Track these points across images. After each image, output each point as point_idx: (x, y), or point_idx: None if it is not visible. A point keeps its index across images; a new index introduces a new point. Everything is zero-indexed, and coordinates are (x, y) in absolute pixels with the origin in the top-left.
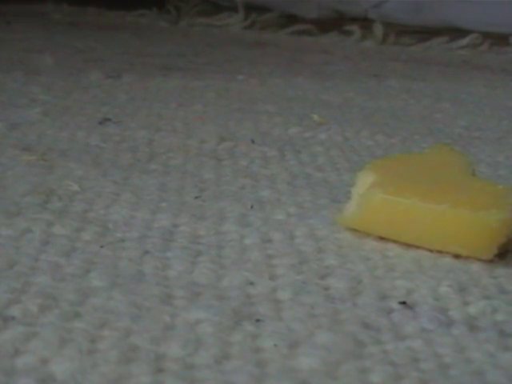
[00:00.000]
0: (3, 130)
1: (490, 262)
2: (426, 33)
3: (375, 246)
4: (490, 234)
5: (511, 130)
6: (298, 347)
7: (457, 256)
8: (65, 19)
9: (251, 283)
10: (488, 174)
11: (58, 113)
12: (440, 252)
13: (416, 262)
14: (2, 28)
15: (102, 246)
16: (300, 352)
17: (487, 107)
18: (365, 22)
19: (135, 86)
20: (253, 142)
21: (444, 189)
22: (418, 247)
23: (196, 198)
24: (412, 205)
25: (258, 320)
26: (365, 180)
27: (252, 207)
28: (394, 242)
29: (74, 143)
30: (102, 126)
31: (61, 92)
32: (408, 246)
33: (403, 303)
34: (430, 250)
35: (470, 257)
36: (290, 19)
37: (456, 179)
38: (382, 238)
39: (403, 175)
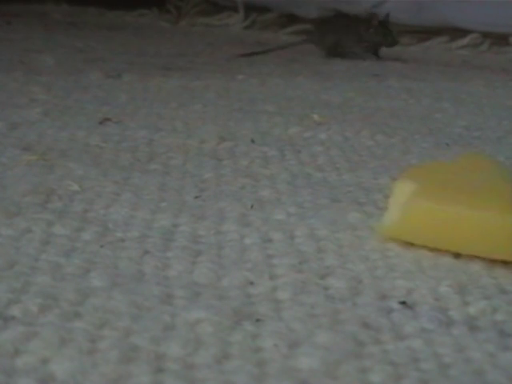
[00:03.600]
0: (3, 130)
1: (490, 261)
2: (426, 33)
3: (375, 246)
4: None
5: (511, 129)
6: (298, 347)
7: (457, 256)
8: (65, 19)
9: (251, 283)
10: None
11: (58, 113)
12: (472, 256)
13: (416, 262)
14: (2, 28)
15: (102, 246)
16: (300, 352)
17: (487, 107)
18: None
19: (135, 86)
20: (253, 141)
21: (485, 195)
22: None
23: (196, 197)
24: (458, 213)
25: (257, 320)
26: (404, 189)
27: (252, 207)
28: (443, 250)
29: (73, 143)
30: (102, 126)
31: (61, 92)
32: (441, 250)
33: (403, 303)
34: (481, 257)
35: None
36: (290, 19)
37: (493, 185)
38: (384, 239)
39: (442, 183)
